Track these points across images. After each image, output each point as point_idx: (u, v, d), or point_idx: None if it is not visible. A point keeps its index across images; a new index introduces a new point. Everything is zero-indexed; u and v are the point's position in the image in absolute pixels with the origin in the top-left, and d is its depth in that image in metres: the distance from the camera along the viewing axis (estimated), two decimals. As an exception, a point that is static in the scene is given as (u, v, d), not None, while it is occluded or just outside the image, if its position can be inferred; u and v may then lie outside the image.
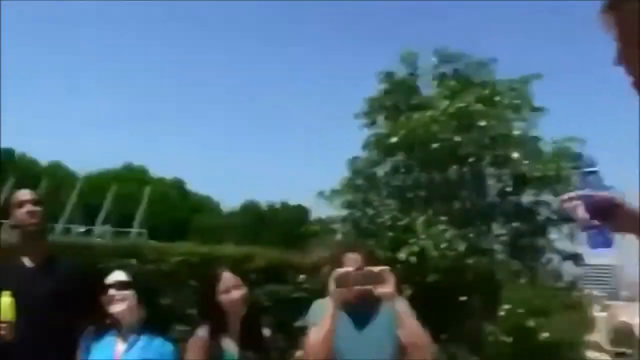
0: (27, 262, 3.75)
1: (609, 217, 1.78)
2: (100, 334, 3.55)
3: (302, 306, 5.87)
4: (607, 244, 1.80)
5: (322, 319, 3.37)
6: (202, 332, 3.54)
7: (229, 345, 3.55)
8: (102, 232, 31.63)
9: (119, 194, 44.47)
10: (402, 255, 6.66)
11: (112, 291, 3.47)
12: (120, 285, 3.47)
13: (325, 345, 3.38)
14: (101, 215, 38.86)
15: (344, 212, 7.84)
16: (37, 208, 3.75)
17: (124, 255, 4.83)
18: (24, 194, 3.81)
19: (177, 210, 57.65)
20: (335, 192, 8.09)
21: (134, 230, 37.97)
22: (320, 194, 8.10)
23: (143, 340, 3.42)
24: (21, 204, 3.76)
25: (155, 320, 3.49)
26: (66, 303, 3.64)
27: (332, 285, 3.34)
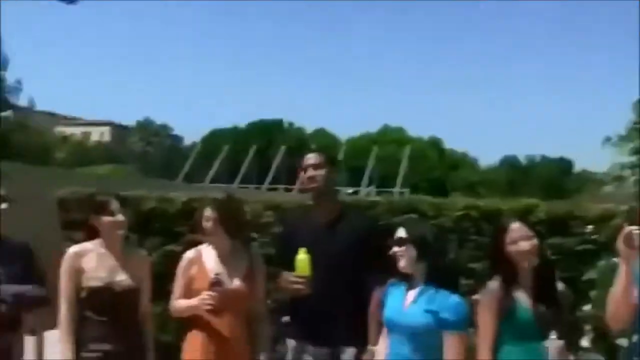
0: (320, 220, 3.93)
1: None
2: (391, 285, 3.65)
3: (588, 259, 5.55)
4: None
5: (619, 276, 3.20)
6: (493, 284, 3.49)
7: (522, 298, 3.46)
8: (367, 193, 32.78)
9: (379, 156, 45.75)
10: None
11: (395, 248, 3.54)
12: (401, 241, 3.52)
13: (625, 303, 3.19)
14: (365, 177, 40.33)
15: (633, 159, 7.17)
16: (318, 172, 3.87)
17: (404, 212, 4.89)
18: (308, 158, 3.94)
19: (435, 169, 57.90)
20: (622, 138, 7.42)
21: (396, 190, 38.83)
22: (607, 140, 7.50)
23: (430, 291, 3.45)
24: (305, 168, 3.93)
25: (441, 274, 3.49)
26: (357, 258, 3.77)
27: (620, 244, 3.12)
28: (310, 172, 3.89)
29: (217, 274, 3.88)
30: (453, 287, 3.47)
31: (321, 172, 3.87)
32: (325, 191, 3.92)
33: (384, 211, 5.00)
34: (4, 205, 3.26)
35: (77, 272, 3.86)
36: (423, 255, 3.49)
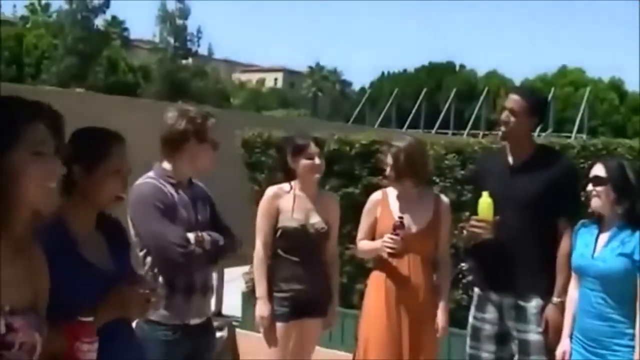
0: (509, 163, 3.75)
1: None
2: (581, 227, 3.47)
3: None
4: None
5: None
6: None
7: None
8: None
9: (556, 98, 43.61)
10: None
11: (590, 187, 3.33)
12: (599, 181, 3.29)
13: None
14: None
15: None
16: (511, 118, 3.64)
17: (598, 155, 4.56)
18: (508, 100, 3.72)
19: (615, 112, 54.31)
20: None
21: (573, 134, 37.02)
22: None
23: (624, 234, 3.23)
24: (502, 109, 3.73)
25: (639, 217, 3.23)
26: (547, 202, 3.55)
27: None
28: (504, 116, 3.68)
29: (400, 217, 3.84)
30: None
31: (513, 118, 3.64)
32: (510, 137, 3.71)
33: (576, 154, 4.68)
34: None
35: (275, 213, 3.96)
36: (623, 197, 3.24)
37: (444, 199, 4.12)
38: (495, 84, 49.93)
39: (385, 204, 4.01)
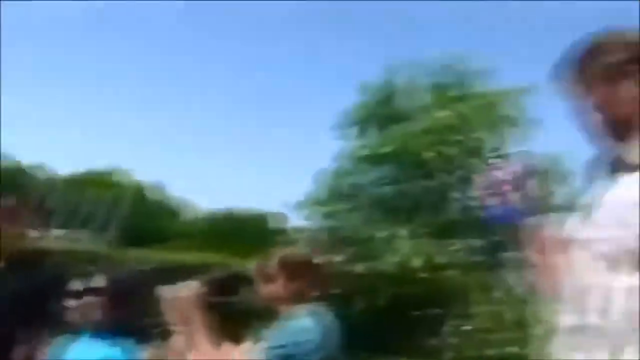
0: None
1: None
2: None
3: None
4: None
5: None
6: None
7: None
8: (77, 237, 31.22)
9: (93, 198, 43.91)
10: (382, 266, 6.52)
11: (88, 297, 3.29)
12: (95, 292, 3.26)
13: None
14: (76, 220, 38.41)
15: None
16: None
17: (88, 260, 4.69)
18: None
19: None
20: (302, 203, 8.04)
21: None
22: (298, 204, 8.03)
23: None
24: None
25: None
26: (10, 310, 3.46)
27: None
28: None
29: None
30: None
31: None
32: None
33: (73, 257, 4.74)
34: None
35: None
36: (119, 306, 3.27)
37: None
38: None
39: None
